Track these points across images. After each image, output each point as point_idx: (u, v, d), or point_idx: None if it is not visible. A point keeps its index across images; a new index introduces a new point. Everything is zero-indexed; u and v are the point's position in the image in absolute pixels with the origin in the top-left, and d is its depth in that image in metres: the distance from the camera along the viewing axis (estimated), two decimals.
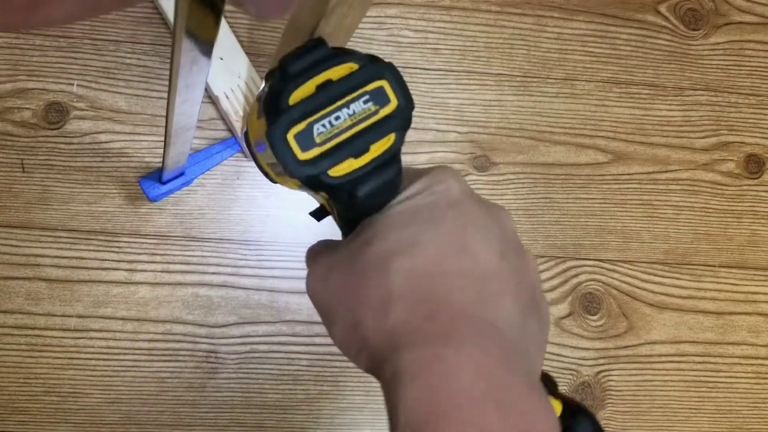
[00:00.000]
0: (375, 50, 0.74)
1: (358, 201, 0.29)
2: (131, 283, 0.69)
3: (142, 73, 0.71)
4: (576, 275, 0.74)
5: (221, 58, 0.68)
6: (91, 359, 0.68)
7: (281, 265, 0.70)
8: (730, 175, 0.77)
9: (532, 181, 0.74)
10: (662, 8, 0.79)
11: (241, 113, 0.69)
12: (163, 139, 0.61)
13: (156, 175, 0.67)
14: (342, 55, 0.29)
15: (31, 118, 0.69)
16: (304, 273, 0.74)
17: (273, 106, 0.28)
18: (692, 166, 0.77)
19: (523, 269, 0.32)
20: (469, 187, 0.33)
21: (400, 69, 0.76)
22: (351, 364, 0.70)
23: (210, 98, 0.71)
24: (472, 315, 0.29)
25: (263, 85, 0.31)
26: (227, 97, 0.68)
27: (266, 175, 0.34)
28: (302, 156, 0.28)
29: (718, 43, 0.79)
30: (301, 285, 0.70)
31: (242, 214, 0.71)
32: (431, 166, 0.34)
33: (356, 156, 0.28)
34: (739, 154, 0.78)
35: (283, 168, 0.28)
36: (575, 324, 0.73)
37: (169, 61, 0.74)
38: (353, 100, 0.28)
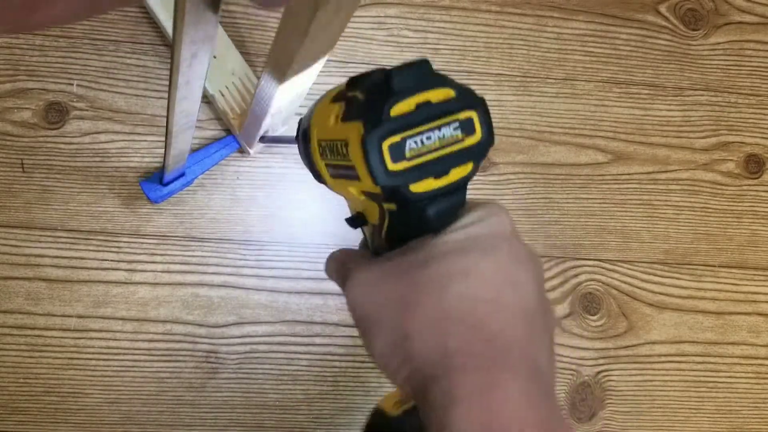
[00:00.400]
0: (375, 50, 0.74)
1: (425, 218, 0.31)
2: (131, 283, 0.69)
3: (141, 73, 0.71)
4: (576, 275, 0.74)
5: (214, 57, 0.68)
6: (91, 359, 0.68)
7: (281, 265, 0.70)
8: (730, 175, 0.77)
9: (531, 181, 0.74)
10: (662, 8, 0.79)
11: (238, 111, 0.69)
12: (163, 139, 0.61)
13: (156, 177, 0.67)
14: (442, 79, 0.31)
15: (30, 118, 0.69)
16: (304, 273, 0.74)
17: (374, 115, 0.30)
18: (692, 166, 0.77)
19: (552, 315, 0.34)
20: (514, 225, 0.35)
21: None
22: (351, 364, 0.70)
23: (206, 98, 0.71)
24: (523, 348, 0.30)
25: (341, 88, 0.33)
26: (222, 96, 0.68)
27: (317, 173, 0.35)
28: (391, 167, 0.29)
29: (718, 43, 0.79)
30: (301, 285, 0.70)
31: (242, 214, 0.71)
32: (483, 199, 0.35)
33: (437, 177, 0.30)
34: (739, 154, 0.78)
35: (371, 174, 0.29)
36: (575, 324, 0.73)
37: (168, 61, 0.74)
38: (446, 125, 0.30)
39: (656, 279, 0.75)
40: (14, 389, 0.68)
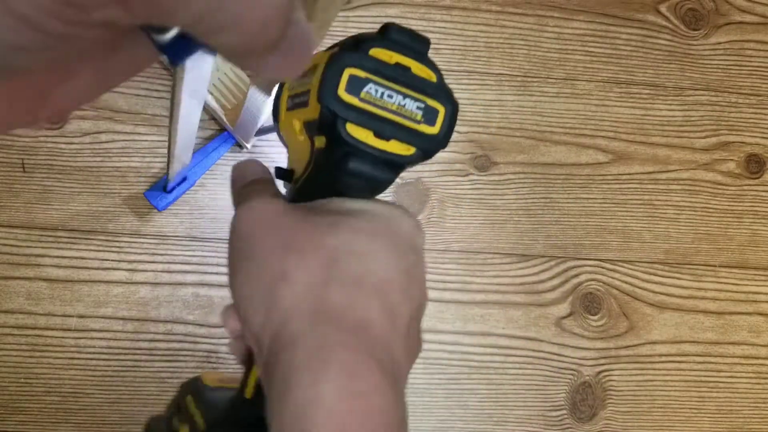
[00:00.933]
0: None
1: (344, 169, 0.30)
2: (132, 283, 0.69)
3: (141, 73, 0.71)
4: (576, 275, 0.74)
5: None
6: (91, 359, 0.68)
7: None
8: (730, 174, 0.77)
9: (532, 181, 0.74)
10: (663, 8, 0.79)
11: (229, 106, 0.69)
12: (163, 139, 0.61)
13: (159, 185, 0.67)
14: (433, 63, 0.30)
15: None
16: None
17: (353, 44, 0.29)
18: (693, 166, 0.77)
19: (419, 346, 0.33)
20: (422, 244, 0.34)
21: None
22: None
23: None
24: (394, 349, 0.29)
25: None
26: (211, 94, 0.68)
27: (276, 112, 0.34)
28: (342, 93, 0.28)
29: (719, 43, 0.79)
30: None
31: None
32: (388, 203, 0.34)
33: (376, 135, 0.29)
34: (739, 153, 0.78)
35: (318, 90, 0.28)
36: (576, 324, 0.73)
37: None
38: (411, 98, 0.29)
39: (657, 279, 0.75)
40: (15, 389, 0.68)
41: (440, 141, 0.30)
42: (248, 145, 0.70)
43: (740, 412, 0.75)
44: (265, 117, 0.64)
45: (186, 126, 0.49)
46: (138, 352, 0.69)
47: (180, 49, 0.20)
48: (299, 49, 0.22)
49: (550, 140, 0.75)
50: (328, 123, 0.29)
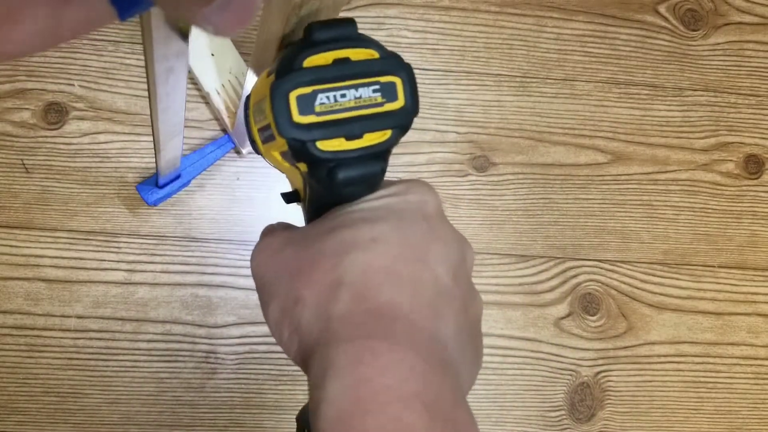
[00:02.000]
0: None
1: (335, 182, 0.29)
2: (130, 283, 0.69)
3: (141, 73, 0.71)
4: (575, 275, 0.74)
5: (212, 54, 0.68)
6: (90, 360, 0.68)
7: None
8: (729, 175, 0.77)
9: (531, 182, 0.74)
10: (661, 8, 0.79)
11: (233, 109, 0.69)
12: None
13: (153, 180, 0.67)
14: (368, 40, 0.29)
15: (30, 118, 0.69)
16: None
17: (286, 65, 0.28)
18: (692, 167, 0.77)
19: (472, 300, 0.32)
20: (442, 209, 0.33)
21: None
22: None
23: (203, 97, 0.71)
24: (414, 321, 0.28)
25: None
26: (218, 94, 0.68)
27: (254, 144, 0.33)
28: (297, 118, 0.28)
29: (718, 44, 0.79)
30: None
31: (241, 214, 0.71)
32: (417, 179, 0.33)
33: (348, 138, 0.28)
34: (738, 154, 0.78)
35: (275, 125, 0.28)
36: (574, 324, 0.73)
37: None
38: (364, 85, 0.29)
39: (656, 279, 0.75)
40: (13, 389, 0.68)
41: (410, 110, 0.30)
42: (244, 151, 0.70)
43: (739, 413, 0.75)
44: None
45: (168, 110, 0.48)
46: (137, 352, 0.69)
47: (126, 1, 0.20)
48: (238, 2, 0.21)
49: (549, 141, 0.75)
50: (299, 150, 0.29)
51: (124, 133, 0.70)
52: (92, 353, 0.68)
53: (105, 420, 0.68)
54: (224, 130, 0.72)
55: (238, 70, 0.69)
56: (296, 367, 0.70)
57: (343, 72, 0.28)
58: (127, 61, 0.71)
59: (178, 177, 0.67)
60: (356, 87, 0.28)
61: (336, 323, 0.28)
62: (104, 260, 0.69)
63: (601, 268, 0.74)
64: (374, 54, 0.29)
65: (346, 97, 0.28)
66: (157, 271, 0.69)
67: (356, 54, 0.29)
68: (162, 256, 0.70)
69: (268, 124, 0.29)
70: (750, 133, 0.78)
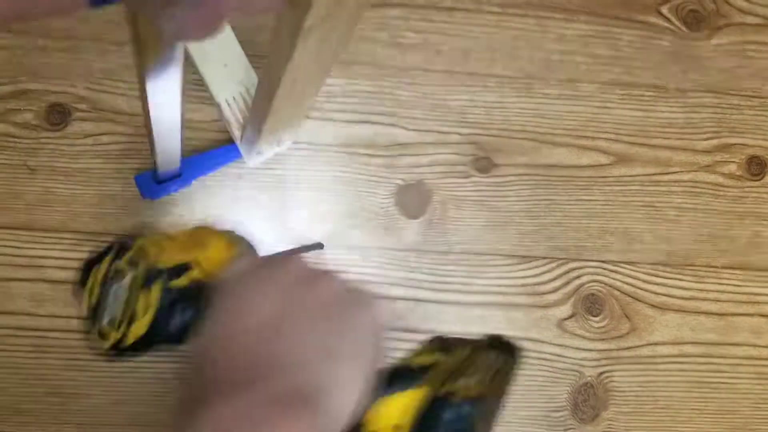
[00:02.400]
0: (378, 51, 0.74)
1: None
2: None
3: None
4: (578, 276, 0.74)
5: (225, 65, 0.68)
6: (93, 360, 0.68)
7: None
8: (732, 176, 0.77)
9: (534, 183, 0.75)
10: (664, 10, 0.79)
11: (242, 121, 0.68)
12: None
13: (152, 174, 0.67)
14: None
15: (33, 119, 0.69)
16: None
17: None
18: (694, 168, 0.77)
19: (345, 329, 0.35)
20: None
21: (402, 71, 0.76)
22: None
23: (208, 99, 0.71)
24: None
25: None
26: (228, 105, 0.68)
27: None
28: None
29: (720, 45, 0.79)
30: None
31: (243, 214, 0.71)
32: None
33: None
34: (741, 155, 0.78)
35: None
36: (578, 325, 0.74)
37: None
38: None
39: (658, 280, 0.75)
40: (17, 390, 0.68)
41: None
42: (250, 163, 0.70)
43: (742, 413, 0.75)
44: (264, 142, 0.64)
45: (162, 121, 0.48)
46: None
47: None
48: (207, 5, 0.21)
49: (552, 142, 0.75)
50: None
51: (127, 134, 0.70)
52: (96, 354, 0.68)
53: (109, 421, 0.68)
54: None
55: (249, 82, 0.68)
56: None
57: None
58: (130, 62, 0.71)
59: (178, 175, 0.67)
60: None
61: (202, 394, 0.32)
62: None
63: (604, 269, 0.74)
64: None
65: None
66: None
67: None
68: None
69: None
70: (752, 134, 0.78)
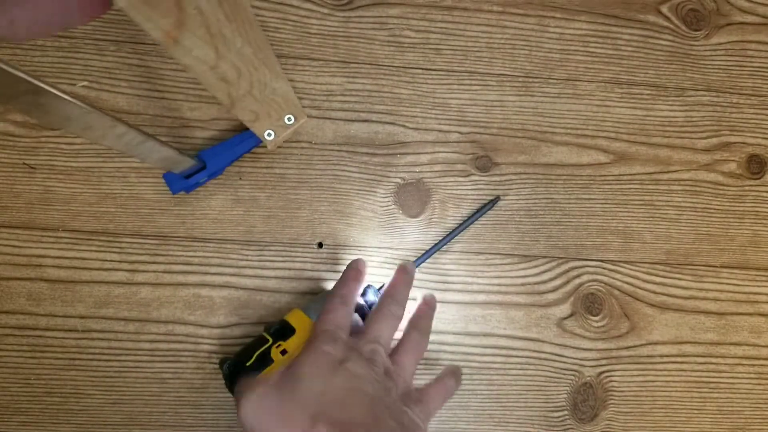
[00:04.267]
0: (377, 50, 0.74)
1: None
2: (133, 283, 0.69)
3: (143, 73, 0.71)
4: (578, 276, 0.74)
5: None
6: (92, 360, 0.68)
7: (283, 265, 0.70)
8: (731, 175, 0.77)
9: (533, 182, 0.74)
10: (664, 9, 0.79)
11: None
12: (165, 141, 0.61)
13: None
14: None
15: (32, 118, 0.69)
16: (306, 274, 0.74)
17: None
18: (694, 167, 0.77)
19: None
20: (344, 348, 0.56)
21: (401, 69, 0.76)
22: None
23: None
24: None
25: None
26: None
27: None
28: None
29: (720, 44, 0.79)
30: (303, 286, 0.70)
31: (244, 214, 0.71)
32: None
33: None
34: (740, 154, 0.78)
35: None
36: (577, 324, 0.73)
37: (170, 60, 0.74)
38: None
39: (658, 279, 0.75)
40: (16, 390, 0.68)
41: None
42: (270, 146, 0.70)
43: (741, 413, 0.75)
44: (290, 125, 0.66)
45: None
46: (139, 352, 0.69)
47: None
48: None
49: (552, 141, 0.75)
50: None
51: None
52: (95, 354, 0.68)
53: (107, 420, 0.68)
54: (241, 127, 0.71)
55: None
56: None
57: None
58: (129, 61, 0.71)
59: (202, 168, 0.67)
60: None
61: None
62: (106, 260, 0.69)
63: (604, 268, 0.74)
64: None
65: None
66: (159, 272, 0.69)
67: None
68: (164, 256, 0.70)
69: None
70: (752, 133, 0.78)
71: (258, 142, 0.69)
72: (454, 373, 0.65)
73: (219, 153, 0.68)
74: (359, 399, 0.49)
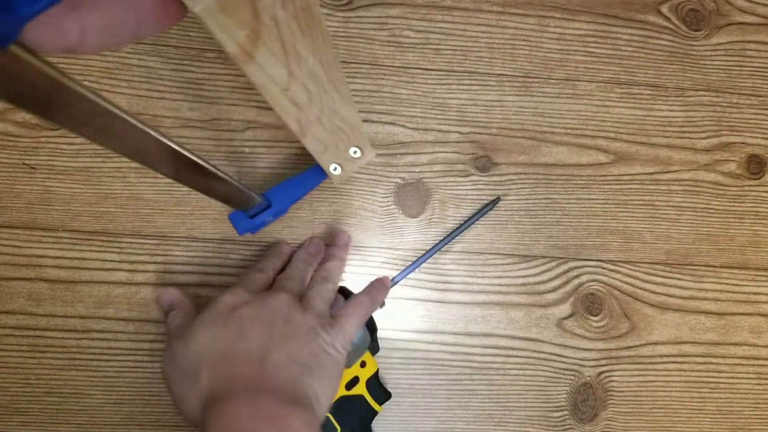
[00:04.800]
0: (376, 51, 0.74)
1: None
2: (133, 283, 0.69)
3: (143, 73, 0.71)
4: (578, 276, 0.74)
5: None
6: (92, 360, 0.68)
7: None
8: (731, 175, 0.77)
9: (533, 182, 0.74)
10: (664, 9, 0.79)
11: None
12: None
13: (244, 209, 0.66)
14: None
15: (32, 118, 0.69)
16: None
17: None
18: (694, 167, 0.77)
19: (291, 340, 0.53)
20: (243, 296, 0.58)
21: (401, 70, 0.76)
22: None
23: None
24: (251, 381, 0.48)
25: None
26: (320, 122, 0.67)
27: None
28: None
29: (720, 44, 0.79)
30: None
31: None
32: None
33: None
34: (740, 154, 0.78)
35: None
36: (577, 325, 0.73)
37: (172, 61, 0.74)
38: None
39: (658, 279, 0.75)
40: (16, 390, 0.68)
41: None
42: (335, 183, 0.69)
43: (741, 413, 0.75)
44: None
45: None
46: (139, 352, 0.69)
47: None
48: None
49: (552, 141, 0.75)
50: None
51: None
52: (95, 354, 0.68)
53: (107, 420, 0.68)
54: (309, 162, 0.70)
55: (333, 105, 0.66)
56: None
57: None
58: (129, 61, 0.71)
59: (268, 206, 0.66)
60: None
61: (205, 398, 0.49)
62: (106, 260, 0.69)
63: (604, 268, 0.74)
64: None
65: None
66: (159, 272, 0.69)
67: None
68: (164, 256, 0.70)
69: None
70: (752, 133, 0.78)
71: (324, 178, 0.66)
72: (372, 287, 0.64)
73: (284, 191, 0.66)
74: (246, 343, 0.51)
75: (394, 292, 0.71)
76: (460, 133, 0.74)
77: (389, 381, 0.71)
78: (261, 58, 0.42)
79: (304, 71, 0.47)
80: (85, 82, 0.71)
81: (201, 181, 0.51)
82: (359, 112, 0.73)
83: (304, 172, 0.67)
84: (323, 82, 0.50)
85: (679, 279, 0.75)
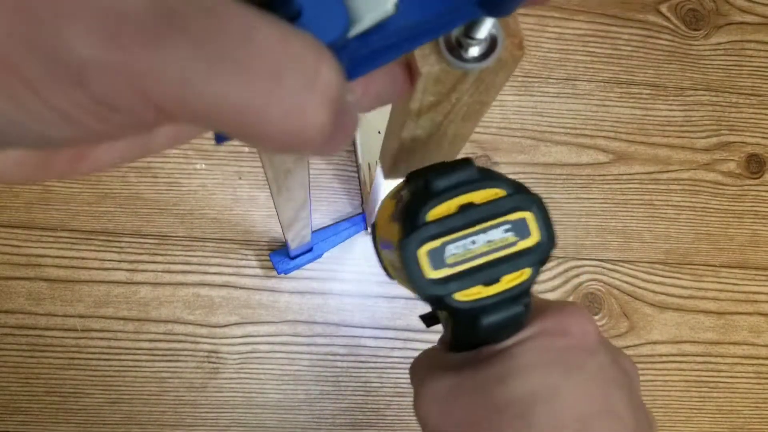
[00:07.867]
0: None
1: (480, 329, 0.28)
2: (132, 283, 0.69)
3: None
4: (577, 275, 0.74)
5: (379, 132, 0.68)
6: (92, 359, 0.68)
7: None
8: (731, 175, 0.77)
9: (533, 181, 0.74)
10: (663, 8, 0.79)
11: (368, 188, 0.68)
12: None
13: (285, 251, 0.68)
14: (489, 178, 0.28)
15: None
16: (305, 273, 0.74)
17: (410, 218, 0.27)
18: (693, 166, 0.77)
19: (649, 428, 0.32)
20: (600, 333, 0.32)
21: None
22: (353, 364, 0.70)
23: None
24: None
25: (401, 185, 0.31)
26: (369, 168, 0.68)
27: (386, 270, 0.33)
28: (431, 274, 0.27)
29: (719, 43, 0.79)
30: (303, 285, 0.70)
31: (243, 214, 0.71)
32: (560, 300, 0.32)
33: (486, 284, 0.27)
34: (740, 154, 0.78)
35: (410, 283, 0.27)
36: None
37: None
38: (493, 227, 0.27)
39: (657, 279, 0.75)
40: (16, 389, 0.68)
41: (546, 245, 0.28)
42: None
43: (741, 412, 0.75)
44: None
45: (289, 201, 0.49)
46: (138, 352, 0.69)
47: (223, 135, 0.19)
48: (342, 131, 0.20)
49: (551, 140, 0.75)
50: (438, 304, 0.28)
51: None
52: (94, 353, 0.68)
53: (107, 420, 0.68)
54: (360, 206, 0.71)
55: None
56: (298, 367, 0.70)
57: (469, 218, 0.27)
58: None
59: (310, 250, 0.68)
60: (485, 231, 0.27)
61: None
62: (106, 260, 0.69)
63: (603, 267, 0.74)
64: (499, 192, 0.28)
65: (477, 244, 0.27)
66: (159, 271, 0.69)
67: (480, 196, 0.28)
68: (164, 255, 0.70)
69: (401, 268, 0.28)
70: (751, 132, 0.78)
71: (364, 228, 0.70)
72: None
73: (326, 237, 0.69)
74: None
75: (397, 291, 0.71)
76: None
77: (389, 380, 0.71)
78: (426, 114, 0.36)
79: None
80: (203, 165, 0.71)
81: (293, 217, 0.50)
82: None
83: (346, 221, 0.69)
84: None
85: (679, 278, 0.75)
